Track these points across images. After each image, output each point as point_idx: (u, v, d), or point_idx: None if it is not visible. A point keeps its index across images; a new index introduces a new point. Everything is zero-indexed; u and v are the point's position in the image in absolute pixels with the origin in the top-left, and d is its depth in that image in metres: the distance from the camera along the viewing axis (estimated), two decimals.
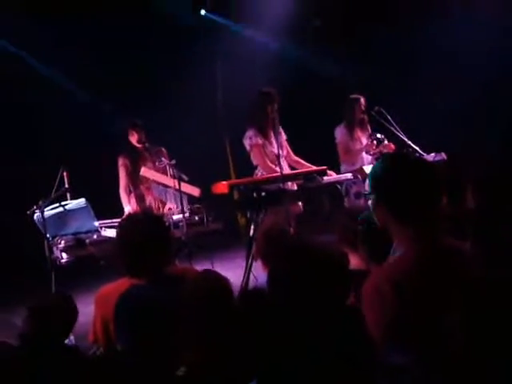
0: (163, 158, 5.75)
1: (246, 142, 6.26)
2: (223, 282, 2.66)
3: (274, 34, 9.07)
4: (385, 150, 6.46)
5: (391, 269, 2.21)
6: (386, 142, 6.55)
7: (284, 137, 6.46)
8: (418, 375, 1.89)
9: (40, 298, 3.00)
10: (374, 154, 6.62)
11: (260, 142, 6.21)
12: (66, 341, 4.86)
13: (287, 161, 6.42)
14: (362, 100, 6.87)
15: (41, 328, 2.88)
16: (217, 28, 9.25)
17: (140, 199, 5.95)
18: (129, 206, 5.83)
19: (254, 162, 6.31)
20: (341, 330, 2.01)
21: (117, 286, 3.15)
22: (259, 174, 6.29)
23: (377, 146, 6.62)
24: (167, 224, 5.24)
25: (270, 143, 6.24)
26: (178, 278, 3.16)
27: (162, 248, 3.15)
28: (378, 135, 6.61)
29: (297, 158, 6.49)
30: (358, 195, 6.12)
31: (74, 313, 3.10)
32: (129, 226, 3.23)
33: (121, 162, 5.99)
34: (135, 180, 5.98)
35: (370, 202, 6.20)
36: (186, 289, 2.59)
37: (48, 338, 2.87)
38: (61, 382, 2.53)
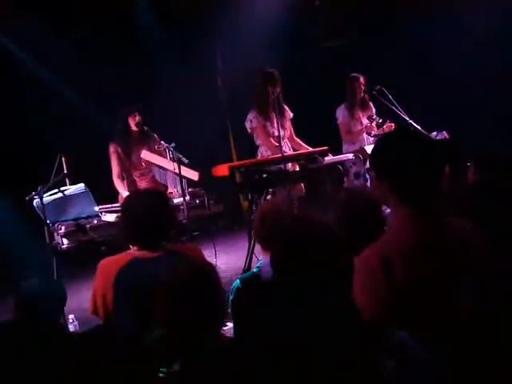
0: (162, 142, 5.71)
1: (247, 125, 6.26)
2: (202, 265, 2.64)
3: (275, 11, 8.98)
4: (386, 130, 6.44)
5: (383, 246, 2.20)
6: (387, 123, 6.52)
7: (289, 116, 6.43)
8: (423, 355, 1.88)
9: (25, 285, 3.00)
10: (374, 136, 6.60)
11: (261, 123, 6.20)
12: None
13: (290, 142, 6.40)
14: (362, 79, 6.84)
15: (29, 314, 2.88)
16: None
17: (132, 186, 5.91)
18: (126, 192, 5.78)
19: (258, 143, 6.30)
20: (342, 310, 1.99)
21: (118, 258, 3.23)
22: (260, 155, 6.28)
23: (377, 128, 6.61)
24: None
25: (272, 124, 6.21)
26: (181, 255, 3.19)
27: (165, 219, 3.25)
28: (377, 118, 6.59)
29: (298, 140, 6.47)
30: (357, 175, 6.11)
31: (61, 294, 3.09)
32: (134, 198, 3.38)
33: (112, 149, 5.91)
34: (128, 167, 5.94)
35: (368, 182, 6.21)
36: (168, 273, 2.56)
37: (38, 321, 2.87)
38: (57, 364, 2.52)
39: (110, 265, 3.18)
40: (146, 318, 2.56)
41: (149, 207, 3.20)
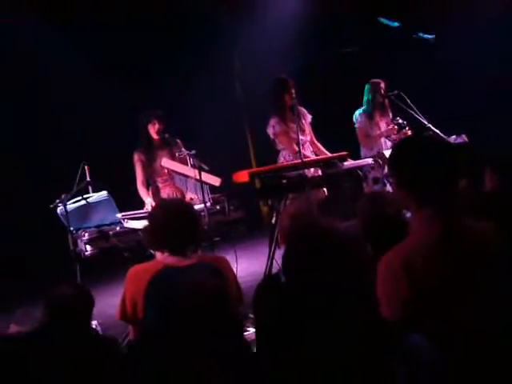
0: (183, 149, 5.78)
1: (270, 131, 6.33)
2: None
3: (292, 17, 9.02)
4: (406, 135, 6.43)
5: (405, 248, 2.23)
6: (407, 128, 6.52)
7: (309, 119, 6.48)
8: (435, 358, 1.90)
9: (54, 291, 3.06)
10: (394, 140, 6.60)
11: (284, 129, 6.25)
12: None
13: (310, 145, 6.43)
14: (382, 84, 6.83)
15: (59, 320, 2.94)
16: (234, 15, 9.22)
17: (156, 193, 5.99)
18: (149, 198, 5.87)
19: (279, 148, 6.34)
20: (353, 313, 2.01)
21: (149, 266, 3.30)
22: (282, 159, 6.32)
23: (398, 131, 6.60)
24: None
25: (293, 130, 6.25)
26: (210, 264, 3.25)
27: (192, 223, 3.33)
28: (400, 120, 6.58)
29: (318, 145, 6.51)
30: (376, 180, 6.10)
31: (89, 300, 3.15)
32: (161, 205, 3.58)
33: (136, 157, 6.03)
34: (151, 174, 6.03)
35: (388, 187, 6.19)
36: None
37: (68, 327, 2.92)
38: (85, 369, 2.58)
39: (140, 273, 3.23)
40: (178, 326, 2.61)
41: (176, 212, 3.30)
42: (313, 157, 6.29)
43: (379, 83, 6.84)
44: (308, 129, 6.46)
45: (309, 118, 6.50)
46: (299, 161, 5.84)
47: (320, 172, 6.13)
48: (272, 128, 6.30)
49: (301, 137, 6.09)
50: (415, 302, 2.10)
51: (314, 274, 2.03)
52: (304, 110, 6.46)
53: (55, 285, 3.11)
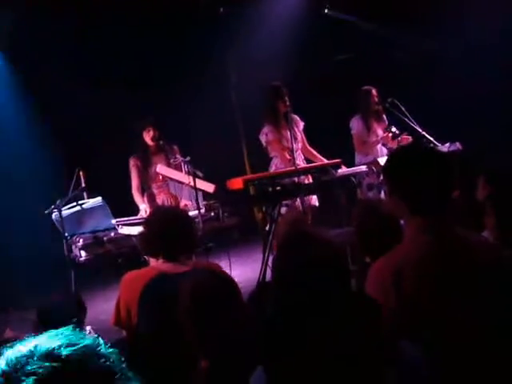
0: (177, 155, 5.82)
1: (262, 139, 6.37)
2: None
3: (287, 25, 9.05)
4: (402, 143, 6.44)
5: (395, 256, 2.25)
6: (403, 135, 6.52)
7: (301, 126, 6.51)
8: (426, 366, 1.92)
9: (46, 299, 3.08)
10: (390, 148, 6.62)
11: (276, 137, 6.29)
12: None
13: (302, 152, 6.47)
14: (374, 91, 6.87)
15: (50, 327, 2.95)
16: (228, 23, 9.24)
17: (151, 198, 6.02)
18: (144, 204, 5.90)
19: (271, 155, 6.38)
20: (343, 322, 2.02)
21: (144, 272, 3.30)
22: (274, 166, 6.35)
23: (392, 139, 6.61)
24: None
25: (285, 137, 6.29)
26: (204, 270, 3.27)
27: (188, 230, 3.36)
28: (394, 129, 6.59)
29: (311, 150, 6.55)
30: (371, 187, 6.13)
31: (80, 307, 3.16)
32: (156, 212, 3.60)
33: (132, 162, 6.08)
34: (147, 180, 6.06)
35: (382, 193, 6.22)
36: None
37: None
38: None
39: (135, 279, 3.23)
40: (171, 332, 2.62)
41: (171, 219, 3.32)
42: (304, 164, 6.32)
43: (370, 90, 6.87)
44: (300, 136, 6.49)
45: (301, 125, 6.54)
46: (293, 168, 5.87)
47: (311, 179, 6.17)
48: (265, 136, 6.34)
49: (292, 145, 6.13)
50: (402, 311, 2.12)
51: (302, 282, 2.05)
52: (297, 117, 6.49)
53: (48, 293, 3.13)
